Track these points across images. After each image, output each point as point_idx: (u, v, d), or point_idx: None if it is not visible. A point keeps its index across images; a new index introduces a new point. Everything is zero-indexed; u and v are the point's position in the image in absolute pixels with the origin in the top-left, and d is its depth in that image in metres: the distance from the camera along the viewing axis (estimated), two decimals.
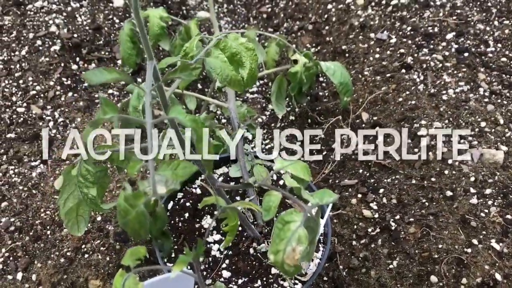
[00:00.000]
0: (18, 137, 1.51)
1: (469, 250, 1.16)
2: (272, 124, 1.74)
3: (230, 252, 1.13)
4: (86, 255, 1.25)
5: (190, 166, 0.58)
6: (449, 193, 1.26)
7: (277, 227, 0.71)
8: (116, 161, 1.01)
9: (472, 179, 1.27)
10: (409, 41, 1.70)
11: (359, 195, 1.37)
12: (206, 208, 1.20)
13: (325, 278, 1.31)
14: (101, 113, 0.60)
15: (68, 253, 1.25)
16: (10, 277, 1.20)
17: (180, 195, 1.23)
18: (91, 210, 1.02)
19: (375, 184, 1.37)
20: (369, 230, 1.31)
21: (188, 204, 1.21)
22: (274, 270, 1.09)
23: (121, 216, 0.60)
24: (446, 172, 1.30)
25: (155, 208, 0.58)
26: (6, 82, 1.66)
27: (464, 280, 1.12)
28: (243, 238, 1.15)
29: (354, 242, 1.32)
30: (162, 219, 0.58)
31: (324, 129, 1.58)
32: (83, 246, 1.27)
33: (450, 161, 1.32)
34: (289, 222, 0.70)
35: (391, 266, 1.23)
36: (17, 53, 1.74)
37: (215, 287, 0.91)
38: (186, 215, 1.19)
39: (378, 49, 1.72)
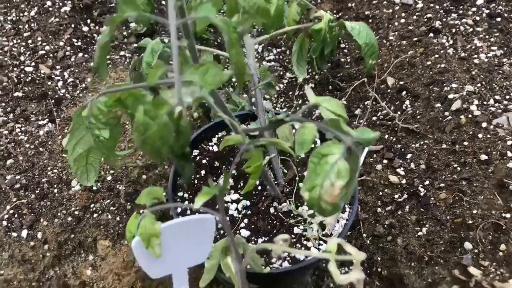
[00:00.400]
0: (26, 96, 1.44)
1: (507, 215, 1.08)
2: (290, 93, 1.66)
3: (249, 212, 1.05)
4: (95, 215, 1.18)
5: (221, 73, 0.50)
6: (483, 157, 1.17)
7: (313, 162, 0.63)
8: (130, 104, 0.94)
9: (509, 142, 1.18)
10: (437, 6, 1.61)
11: (385, 161, 1.29)
12: (223, 166, 1.13)
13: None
14: (119, 12, 0.52)
15: (76, 212, 1.18)
16: (14, 234, 1.13)
17: (196, 152, 1.15)
18: (102, 158, 0.95)
19: (402, 150, 1.29)
20: (396, 196, 1.23)
21: (204, 161, 1.13)
22: (296, 230, 1.01)
23: (140, 133, 0.53)
24: (480, 136, 1.21)
25: (179, 121, 0.50)
26: (14, 41, 1.59)
27: (502, 246, 1.04)
28: (263, 198, 1.08)
29: (379, 209, 1.24)
30: (186, 134, 0.50)
31: (347, 95, 1.50)
32: (92, 205, 1.20)
33: (484, 125, 1.23)
34: (326, 155, 0.62)
35: (420, 233, 1.15)
36: (26, 13, 1.67)
37: None
38: (203, 172, 1.11)
39: (403, 14, 1.63)
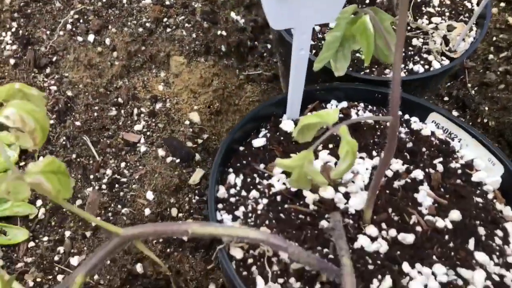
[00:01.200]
0: None
1: None
2: None
3: None
4: (169, 29, 1.04)
5: None
6: None
7: None
8: None
9: None
10: None
11: (502, 4, 1.10)
12: None
13: (446, 98, 1.08)
14: None
15: (148, 24, 1.04)
16: (80, 38, 1.01)
17: None
18: None
19: None
20: None
21: None
22: (415, 42, 0.85)
23: None
24: None
25: None
26: None
27: None
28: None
29: (491, 56, 1.06)
30: None
31: None
32: (165, 19, 1.05)
33: None
34: None
35: None
36: None
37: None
38: None
39: None
